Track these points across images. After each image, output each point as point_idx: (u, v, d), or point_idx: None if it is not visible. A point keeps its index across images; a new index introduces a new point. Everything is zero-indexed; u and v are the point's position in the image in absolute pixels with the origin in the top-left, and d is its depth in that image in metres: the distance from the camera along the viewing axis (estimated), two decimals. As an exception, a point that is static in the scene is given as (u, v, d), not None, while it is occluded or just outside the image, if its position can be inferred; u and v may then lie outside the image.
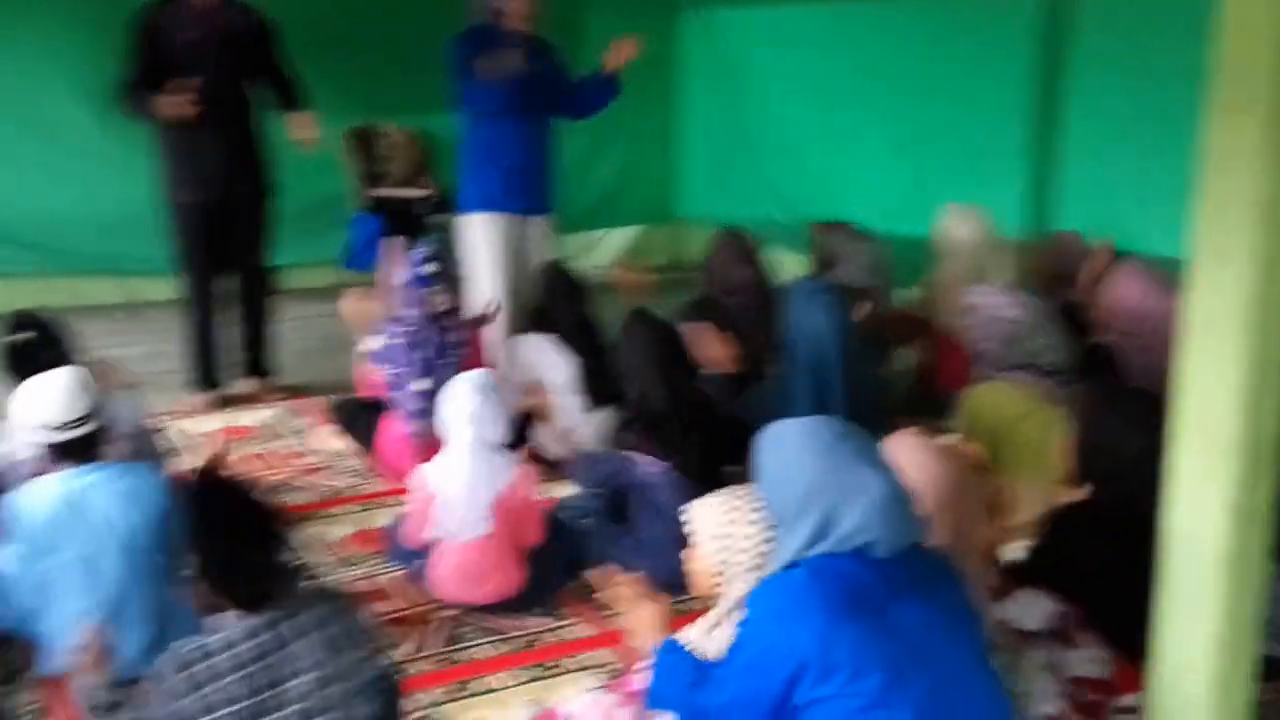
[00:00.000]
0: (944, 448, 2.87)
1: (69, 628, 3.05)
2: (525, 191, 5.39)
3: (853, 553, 2.19)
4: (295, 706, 2.32)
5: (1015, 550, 3.17)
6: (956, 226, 5.04)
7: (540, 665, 3.43)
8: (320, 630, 2.37)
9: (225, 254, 5.41)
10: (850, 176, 7.23)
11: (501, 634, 3.58)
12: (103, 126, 6.69)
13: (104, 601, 3.09)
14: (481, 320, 4.93)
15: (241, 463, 4.71)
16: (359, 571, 3.93)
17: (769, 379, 4.35)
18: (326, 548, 4.09)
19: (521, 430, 4.63)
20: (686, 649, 2.68)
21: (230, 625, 2.35)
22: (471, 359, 4.45)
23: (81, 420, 3.20)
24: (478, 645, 3.52)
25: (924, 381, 4.95)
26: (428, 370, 4.38)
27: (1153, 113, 5.54)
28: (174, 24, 5.10)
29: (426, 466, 3.71)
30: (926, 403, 4.67)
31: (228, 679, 2.28)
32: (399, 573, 3.85)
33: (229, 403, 5.47)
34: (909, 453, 2.72)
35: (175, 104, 4.92)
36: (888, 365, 4.85)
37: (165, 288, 6.34)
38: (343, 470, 4.75)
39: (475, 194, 5.42)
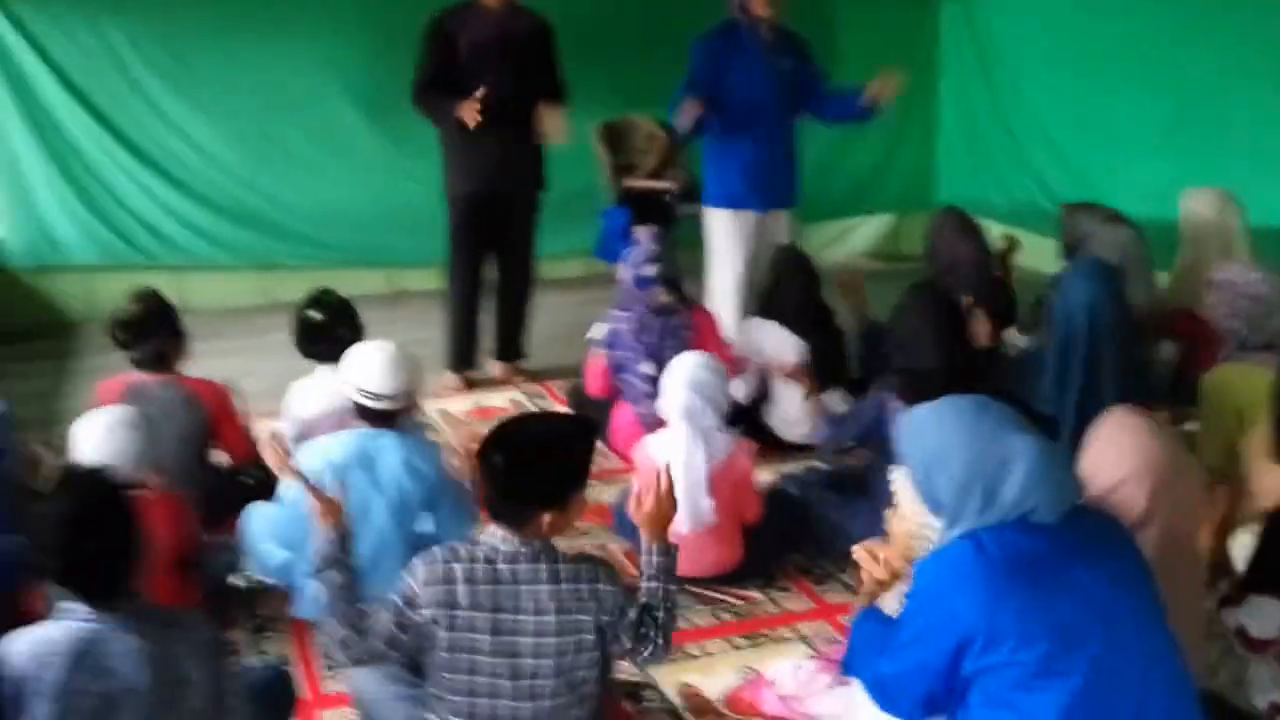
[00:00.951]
0: (1164, 427, 2.85)
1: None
2: (767, 187, 5.57)
3: (1017, 521, 2.26)
4: (526, 638, 2.59)
5: (1242, 547, 3.11)
6: (1198, 208, 4.91)
7: (754, 635, 3.62)
8: (551, 584, 2.61)
9: (494, 243, 5.82)
10: (1114, 161, 7.08)
11: (720, 604, 3.76)
12: (374, 129, 7.23)
13: (365, 554, 3.38)
14: (704, 309, 5.10)
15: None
16: (590, 542, 4.18)
17: (1023, 356, 4.36)
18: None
19: (746, 411, 4.81)
20: (883, 617, 2.77)
21: (486, 542, 2.65)
22: (697, 343, 4.60)
23: (397, 396, 3.57)
24: (697, 613, 3.73)
25: (1183, 368, 4.83)
26: (653, 355, 4.60)
27: None
28: (464, 28, 5.50)
29: (648, 441, 3.93)
30: (1187, 390, 4.56)
31: (463, 585, 2.57)
32: (624, 545, 4.09)
33: (479, 385, 5.85)
34: (1125, 433, 2.73)
35: (470, 110, 5.30)
36: (1150, 351, 4.76)
37: (426, 277, 6.83)
38: (580, 449, 5.03)
39: (717, 189, 5.64)
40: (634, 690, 3.30)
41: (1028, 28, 7.87)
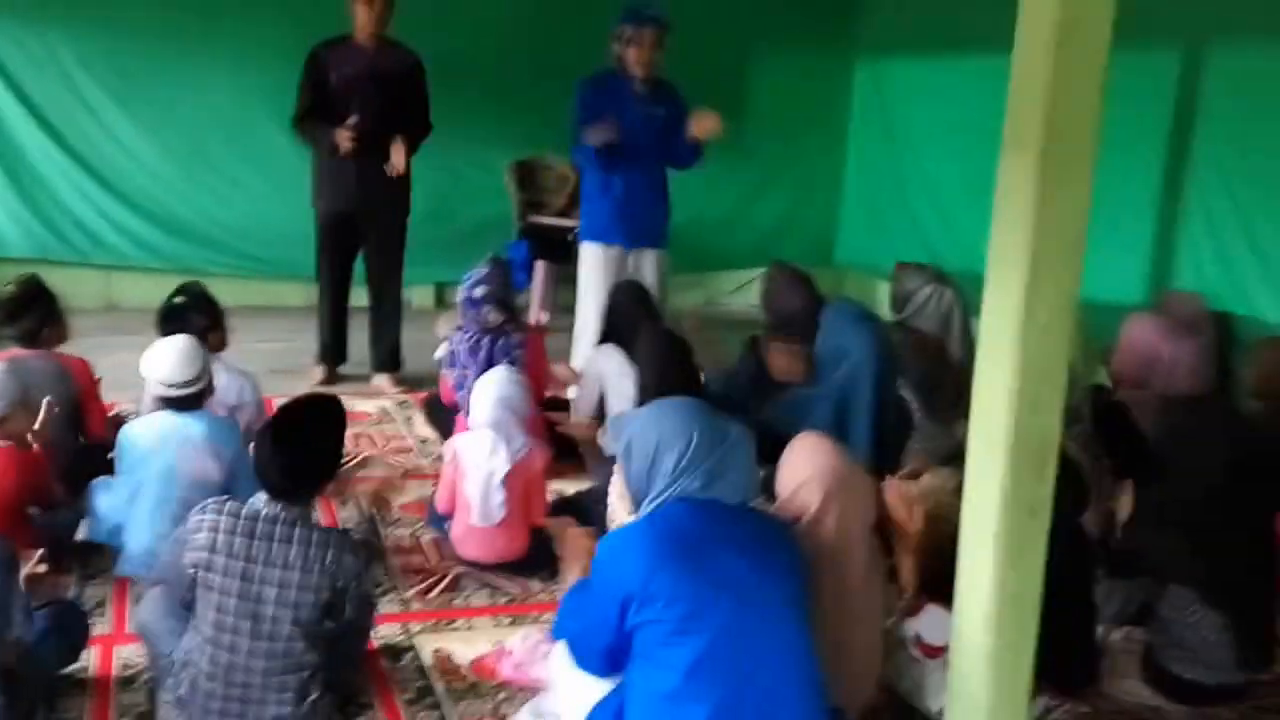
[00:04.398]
0: (842, 450, 3.31)
1: (143, 537, 3.92)
2: (634, 225, 6.10)
3: (692, 505, 2.76)
4: (270, 588, 3.07)
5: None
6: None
7: (522, 616, 4.06)
8: (301, 545, 3.09)
9: (356, 259, 6.40)
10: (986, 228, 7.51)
11: (499, 590, 4.22)
12: (299, 150, 7.63)
13: (174, 520, 3.83)
14: (537, 330, 5.56)
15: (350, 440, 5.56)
16: (406, 531, 4.65)
17: (797, 391, 4.80)
18: (390, 510, 4.86)
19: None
20: (587, 586, 3.20)
21: (253, 503, 3.13)
22: (530, 363, 5.07)
23: (189, 383, 4.05)
24: (476, 594, 4.20)
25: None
26: (484, 371, 5.05)
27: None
28: (337, 60, 6.02)
29: (454, 441, 4.39)
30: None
31: (223, 535, 3.07)
32: (433, 533, 4.58)
33: (366, 394, 6.35)
34: (808, 447, 3.25)
35: (343, 137, 5.81)
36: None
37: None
38: (425, 453, 5.57)
39: (589, 224, 6.18)
40: (395, 651, 3.75)
41: (924, 94, 8.32)
